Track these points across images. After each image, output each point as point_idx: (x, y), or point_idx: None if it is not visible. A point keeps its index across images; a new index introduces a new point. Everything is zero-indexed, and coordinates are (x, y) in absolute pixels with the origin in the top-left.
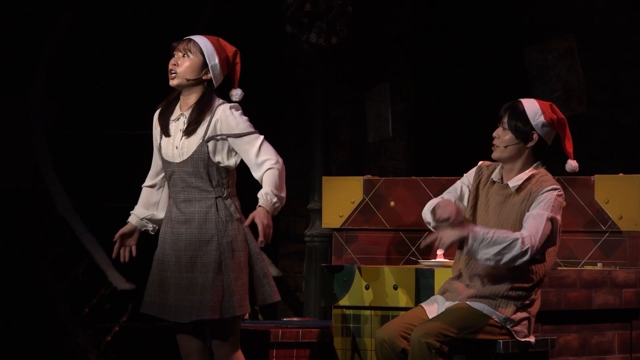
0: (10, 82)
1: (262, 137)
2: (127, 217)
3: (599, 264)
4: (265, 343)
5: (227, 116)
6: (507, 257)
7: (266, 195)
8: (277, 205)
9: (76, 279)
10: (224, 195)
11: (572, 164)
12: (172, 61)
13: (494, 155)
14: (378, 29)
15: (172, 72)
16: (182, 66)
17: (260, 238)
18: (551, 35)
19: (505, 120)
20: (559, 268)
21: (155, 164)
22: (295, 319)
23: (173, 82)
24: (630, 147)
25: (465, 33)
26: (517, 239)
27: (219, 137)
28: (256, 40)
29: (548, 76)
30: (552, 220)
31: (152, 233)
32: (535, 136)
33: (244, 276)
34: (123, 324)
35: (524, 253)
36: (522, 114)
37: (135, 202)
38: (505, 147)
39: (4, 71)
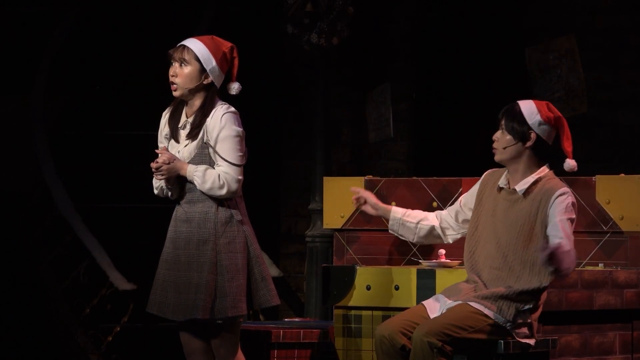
0: (11, 83)
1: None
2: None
3: (600, 265)
4: (266, 343)
5: (214, 123)
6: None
7: (199, 169)
8: (194, 178)
9: (77, 279)
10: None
11: (570, 163)
12: (170, 71)
13: (496, 158)
14: (379, 29)
15: (173, 83)
16: (180, 77)
17: (157, 163)
18: (552, 36)
19: (503, 122)
20: None
21: None
22: (296, 319)
23: (176, 94)
24: (631, 147)
25: (466, 33)
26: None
27: (208, 142)
28: (257, 40)
29: (549, 77)
30: (571, 220)
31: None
32: (533, 135)
33: (240, 277)
34: (124, 324)
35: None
36: (518, 115)
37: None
38: (504, 148)
39: (5, 71)
